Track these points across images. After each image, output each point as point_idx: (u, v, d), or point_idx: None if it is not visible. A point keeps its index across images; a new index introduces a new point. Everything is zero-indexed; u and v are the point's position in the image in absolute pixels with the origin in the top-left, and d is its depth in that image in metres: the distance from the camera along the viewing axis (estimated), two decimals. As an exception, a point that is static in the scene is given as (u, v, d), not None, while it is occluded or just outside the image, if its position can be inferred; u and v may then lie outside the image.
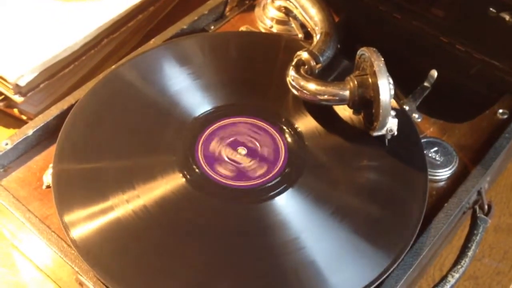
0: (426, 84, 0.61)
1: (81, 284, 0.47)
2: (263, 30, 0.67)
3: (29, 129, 0.55)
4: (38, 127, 0.55)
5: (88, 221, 0.47)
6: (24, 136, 0.54)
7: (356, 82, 0.51)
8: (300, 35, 0.64)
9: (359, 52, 0.52)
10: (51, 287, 0.55)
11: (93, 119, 0.54)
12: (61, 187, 0.49)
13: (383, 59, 0.49)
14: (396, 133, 0.51)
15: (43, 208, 0.51)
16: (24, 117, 0.67)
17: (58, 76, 0.67)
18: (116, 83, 0.57)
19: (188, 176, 0.50)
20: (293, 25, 0.65)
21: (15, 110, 0.67)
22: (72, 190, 0.49)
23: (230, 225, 0.48)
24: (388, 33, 0.65)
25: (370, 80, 0.50)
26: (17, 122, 0.68)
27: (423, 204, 0.49)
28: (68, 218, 0.47)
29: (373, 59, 0.49)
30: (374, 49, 0.50)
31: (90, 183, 0.50)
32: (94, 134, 0.53)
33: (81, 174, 0.50)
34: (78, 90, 0.58)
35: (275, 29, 0.66)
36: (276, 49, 0.61)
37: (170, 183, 0.49)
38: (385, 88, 0.48)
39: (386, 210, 0.49)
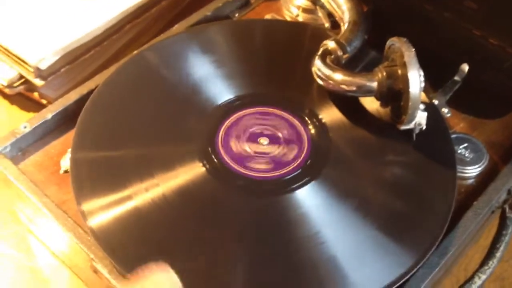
0: (456, 78, 0.59)
1: (95, 271, 0.46)
2: (288, 19, 0.65)
3: (48, 113, 0.54)
4: (57, 111, 0.54)
5: (106, 210, 0.46)
6: (43, 120, 0.53)
7: (385, 73, 0.49)
8: (327, 24, 0.62)
9: (388, 42, 0.50)
10: (66, 274, 0.54)
11: (113, 105, 0.53)
12: (79, 174, 0.48)
13: (414, 49, 0.47)
14: (424, 127, 0.49)
15: (60, 193, 0.50)
16: (44, 101, 0.66)
17: (80, 60, 0.66)
18: (137, 69, 0.56)
19: (207, 166, 0.48)
20: (319, 14, 0.63)
21: (35, 94, 0.66)
22: (91, 177, 0.48)
23: (249, 218, 0.46)
24: (418, 24, 0.63)
25: (399, 71, 0.48)
26: (37, 106, 0.67)
27: (451, 201, 0.47)
28: (86, 206, 0.46)
29: (403, 49, 0.47)
30: (405, 39, 0.48)
31: (109, 171, 0.49)
32: (113, 120, 0.52)
33: (100, 161, 0.49)
34: (99, 75, 0.57)
35: (301, 17, 0.64)
36: (302, 39, 0.59)
37: (190, 172, 0.48)
38: (415, 80, 0.46)
39: (412, 207, 0.47)
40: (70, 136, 0.53)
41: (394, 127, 0.50)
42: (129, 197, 0.46)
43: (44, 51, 0.63)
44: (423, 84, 0.47)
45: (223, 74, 0.55)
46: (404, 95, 0.48)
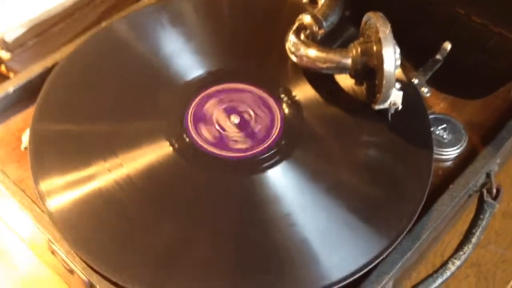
0: (438, 57, 0.57)
1: (53, 252, 0.44)
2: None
3: (10, 86, 0.52)
4: (19, 85, 0.52)
5: (65, 191, 0.44)
6: (4, 93, 0.51)
7: (359, 50, 0.47)
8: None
9: (365, 18, 0.48)
10: (30, 254, 0.52)
11: (78, 78, 0.51)
12: (38, 148, 0.46)
13: (390, 25, 0.45)
14: (400, 107, 0.47)
15: (20, 170, 0.48)
16: (11, 75, 0.63)
17: (48, 33, 0.64)
18: (104, 42, 0.53)
19: (175, 145, 0.46)
20: (299, -13, 0.60)
21: (2, 67, 0.63)
22: (50, 154, 0.46)
23: (219, 198, 0.44)
24: (400, 2, 0.61)
25: (374, 48, 0.46)
26: (3, 80, 0.64)
27: (426, 184, 0.45)
28: (45, 185, 0.44)
29: (378, 25, 0.45)
30: (381, 14, 0.46)
31: (70, 147, 0.46)
32: (77, 93, 0.50)
33: (61, 135, 0.47)
34: (65, 47, 0.54)
35: (279, -9, 0.62)
36: (279, 12, 0.57)
37: (156, 151, 0.46)
38: (390, 57, 0.44)
39: (385, 189, 0.45)
40: (32, 111, 0.50)
41: (369, 107, 0.48)
42: (91, 177, 0.44)
43: (11, 22, 0.60)
44: (398, 62, 0.45)
45: (193, 48, 0.53)
46: (379, 73, 0.46)
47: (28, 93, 0.52)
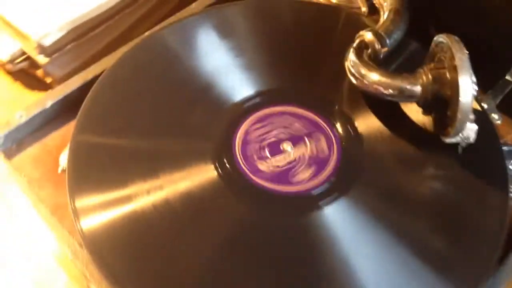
0: (509, 78, 0.51)
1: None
2: (321, 0, 0.58)
3: (48, 100, 0.48)
4: (57, 99, 0.48)
5: (101, 210, 0.40)
6: (42, 109, 0.48)
7: (430, 77, 0.42)
8: (364, 9, 0.55)
9: (436, 39, 0.43)
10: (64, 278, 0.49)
11: (121, 91, 0.47)
12: (77, 162, 0.42)
13: (467, 52, 0.40)
14: (473, 141, 0.42)
15: (57, 194, 0.45)
16: (48, 80, 0.60)
17: (88, 36, 0.61)
18: (147, 54, 0.49)
19: (220, 170, 0.43)
20: (356, -4, 0.56)
21: (39, 71, 0.60)
22: (90, 166, 0.42)
23: (265, 237, 0.40)
24: (466, 12, 0.56)
25: (448, 75, 0.41)
26: (42, 84, 0.61)
27: (501, 228, 0.41)
28: (80, 203, 0.40)
29: (454, 51, 0.40)
30: (456, 38, 0.41)
31: (110, 163, 0.43)
32: (120, 107, 0.46)
33: (102, 148, 0.44)
34: (105, 59, 0.51)
35: (336, 0, 0.57)
36: (335, 25, 0.52)
37: (200, 175, 0.42)
38: (467, 87, 0.40)
39: (456, 233, 0.41)
40: (71, 127, 0.47)
41: (437, 138, 0.44)
42: (128, 198, 0.41)
43: (49, 26, 0.57)
44: (475, 93, 0.40)
45: (243, 64, 0.49)
46: (452, 103, 0.41)
47: (66, 108, 0.49)
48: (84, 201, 0.40)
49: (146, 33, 0.52)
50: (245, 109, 0.46)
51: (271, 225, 0.41)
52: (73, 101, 0.49)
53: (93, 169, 0.42)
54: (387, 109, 0.46)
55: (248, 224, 0.41)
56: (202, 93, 0.47)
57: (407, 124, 0.46)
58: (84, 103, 0.46)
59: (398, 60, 0.49)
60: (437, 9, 0.56)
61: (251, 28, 0.51)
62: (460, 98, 0.40)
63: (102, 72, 0.49)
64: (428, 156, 0.44)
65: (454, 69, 0.40)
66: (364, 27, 0.47)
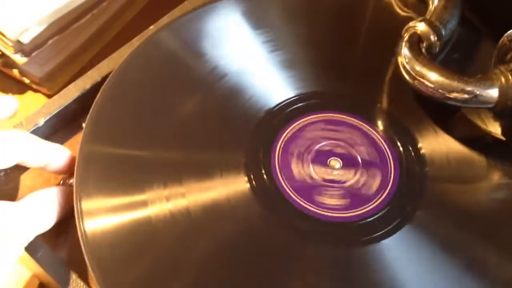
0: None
1: None
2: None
3: (40, 117, 0.40)
4: (52, 114, 0.40)
5: (108, 213, 0.34)
6: (34, 127, 0.40)
7: (511, 78, 0.36)
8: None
9: (510, 33, 0.37)
10: None
11: (133, 95, 0.39)
12: (86, 167, 0.36)
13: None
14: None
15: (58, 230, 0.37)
16: (26, 80, 0.51)
17: (71, 29, 0.51)
18: (160, 52, 0.41)
19: (255, 185, 0.36)
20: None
21: (15, 71, 0.51)
22: (101, 172, 0.36)
23: (303, 270, 0.34)
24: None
25: (532, 77, 0.35)
26: (19, 86, 0.52)
27: None
28: (87, 205, 0.34)
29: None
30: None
31: (125, 169, 0.36)
32: (136, 115, 0.39)
33: (116, 158, 0.37)
34: (105, 61, 0.42)
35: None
36: (393, 16, 0.45)
37: (229, 186, 0.36)
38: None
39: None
40: (71, 145, 0.39)
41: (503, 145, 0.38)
42: (143, 204, 0.34)
43: (27, 20, 0.47)
44: None
45: (280, 61, 0.41)
46: (537, 111, 0.35)
47: (62, 123, 0.41)
48: (91, 203, 0.34)
49: (152, 27, 0.43)
50: (286, 113, 0.39)
51: (310, 255, 0.34)
52: (70, 114, 0.41)
53: (105, 177, 0.36)
54: (444, 112, 0.39)
55: (280, 250, 0.34)
56: (232, 96, 0.40)
57: (470, 129, 0.40)
58: (92, 108, 0.38)
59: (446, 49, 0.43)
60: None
61: (290, 17, 0.43)
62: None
63: (102, 78, 0.41)
64: (498, 168, 0.38)
65: (539, 70, 0.34)
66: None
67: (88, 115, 0.38)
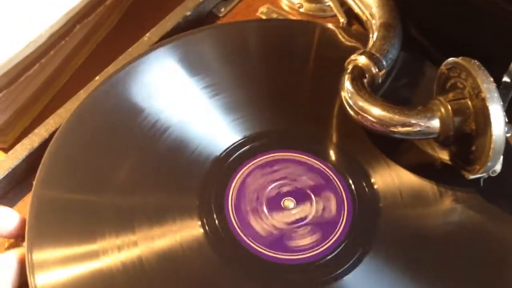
0: (506, 79, 0.46)
1: None
2: (288, 10, 0.51)
3: (-13, 180, 0.39)
4: (1, 178, 0.40)
5: (60, 265, 0.34)
6: (-18, 191, 0.39)
7: (450, 109, 0.36)
8: (342, 20, 0.48)
9: (449, 62, 0.37)
10: None
11: (83, 144, 0.39)
12: (38, 215, 0.35)
13: (492, 79, 0.35)
14: (498, 171, 0.37)
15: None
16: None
17: (19, 81, 0.51)
18: (104, 106, 0.41)
19: (207, 228, 0.36)
20: (330, 3, 0.49)
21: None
22: (54, 221, 0.36)
23: None
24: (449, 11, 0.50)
25: (470, 105, 0.36)
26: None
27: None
28: (38, 256, 0.34)
29: (480, 81, 0.34)
30: (477, 62, 0.35)
31: (77, 217, 0.36)
32: (87, 161, 0.39)
33: (69, 204, 0.36)
34: (52, 118, 0.42)
35: (304, 9, 0.50)
36: (314, 43, 0.46)
37: (182, 232, 0.36)
38: (499, 120, 0.34)
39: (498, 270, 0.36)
40: (22, 206, 0.39)
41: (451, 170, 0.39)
42: (95, 255, 0.34)
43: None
44: (506, 127, 0.34)
45: (223, 104, 0.41)
46: (478, 138, 0.35)
47: (11, 185, 0.40)
48: (43, 254, 0.34)
49: (97, 78, 0.43)
50: (237, 156, 0.39)
51: None
52: (20, 175, 0.40)
53: (57, 224, 0.36)
54: (397, 143, 0.40)
55: None
56: (180, 141, 0.40)
57: (416, 156, 0.40)
58: (44, 157, 0.38)
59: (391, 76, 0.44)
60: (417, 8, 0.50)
61: (224, 60, 0.44)
62: (493, 132, 0.34)
63: (50, 134, 0.41)
64: (448, 193, 0.39)
65: (477, 99, 0.35)
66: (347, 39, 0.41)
67: (41, 163, 0.37)
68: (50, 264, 0.34)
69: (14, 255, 0.35)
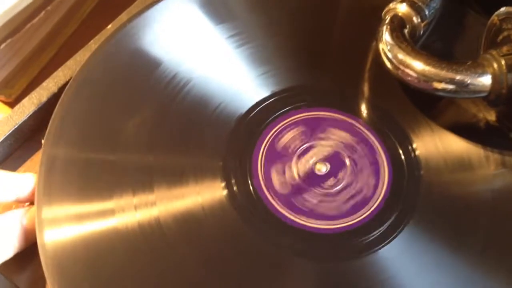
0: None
1: None
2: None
3: (-9, 140, 0.36)
4: (7, 134, 0.37)
5: (71, 223, 0.31)
6: (-12, 148, 0.36)
7: (504, 65, 0.32)
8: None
9: (501, 12, 0.33)
10: None
11: (97, 100, 0.36)
12: (48, 174, 0.33)
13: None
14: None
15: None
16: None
17: (25, 29, 0.47)
18: (119, 56, 0.38)
19: (234, 188, 0.33)
20: None
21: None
22: (65, 178, 0.33)
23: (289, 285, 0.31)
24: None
25: (526, 61, 0.32)
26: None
27: None
28: (47, 213, 0.31)
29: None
30: (537, 12, 0.32)
31: (90, 174, 0.33)
32: (102, 120, 0.35)
33: (81, 164, 0.33)
34: (60, 70, 0.39)
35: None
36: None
37: (205, 193, 0.33)
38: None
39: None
40: (31, 165, 0.36)
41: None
42: (111, 212, 0.32)
43: (-27, 25, 0.44)
44: None
45: (251, 55, 0.38)
46: (534, 97, 0.32)
47: (19, 142, 0.38)
48: (53, 211, 0.31)
49: (110, 26, 0.40)
50: (266, 113, 0.36)
51: (297, 272, 0.31)
52: (27, 132, 0.37)
53: (68, 182, 0.33)
54: (439, 102, 0.37)
55: (265, 267, 0.31)
56: (202, 96, 0.36)
57: (462, 116, 0.37)
58: (54, 112, 0.35)
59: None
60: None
61: (254, 6, 0.40)
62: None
63: (59, 88, 0.38)
64: (495, 156, 0.35)
65: (535, 54, 0.31)
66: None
67: (51, 119, 0.34)
68: (60, 221, 0.31)
69: (18, 215, 0.33)
